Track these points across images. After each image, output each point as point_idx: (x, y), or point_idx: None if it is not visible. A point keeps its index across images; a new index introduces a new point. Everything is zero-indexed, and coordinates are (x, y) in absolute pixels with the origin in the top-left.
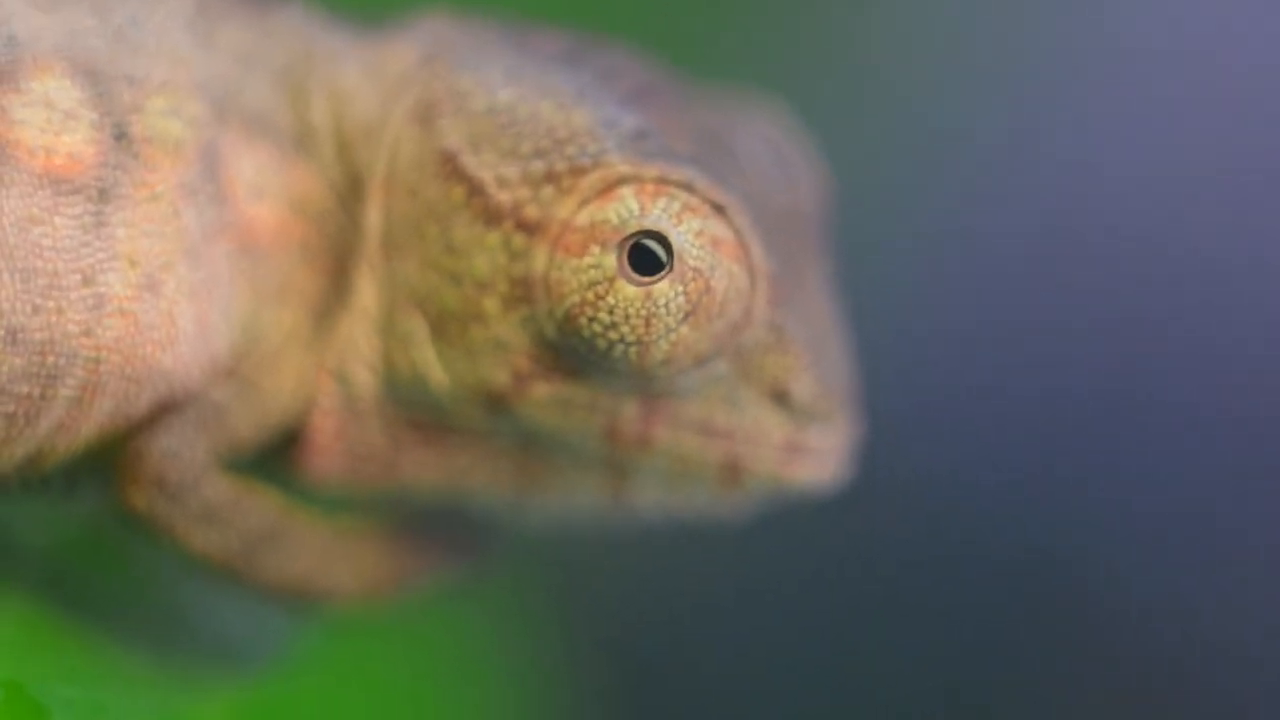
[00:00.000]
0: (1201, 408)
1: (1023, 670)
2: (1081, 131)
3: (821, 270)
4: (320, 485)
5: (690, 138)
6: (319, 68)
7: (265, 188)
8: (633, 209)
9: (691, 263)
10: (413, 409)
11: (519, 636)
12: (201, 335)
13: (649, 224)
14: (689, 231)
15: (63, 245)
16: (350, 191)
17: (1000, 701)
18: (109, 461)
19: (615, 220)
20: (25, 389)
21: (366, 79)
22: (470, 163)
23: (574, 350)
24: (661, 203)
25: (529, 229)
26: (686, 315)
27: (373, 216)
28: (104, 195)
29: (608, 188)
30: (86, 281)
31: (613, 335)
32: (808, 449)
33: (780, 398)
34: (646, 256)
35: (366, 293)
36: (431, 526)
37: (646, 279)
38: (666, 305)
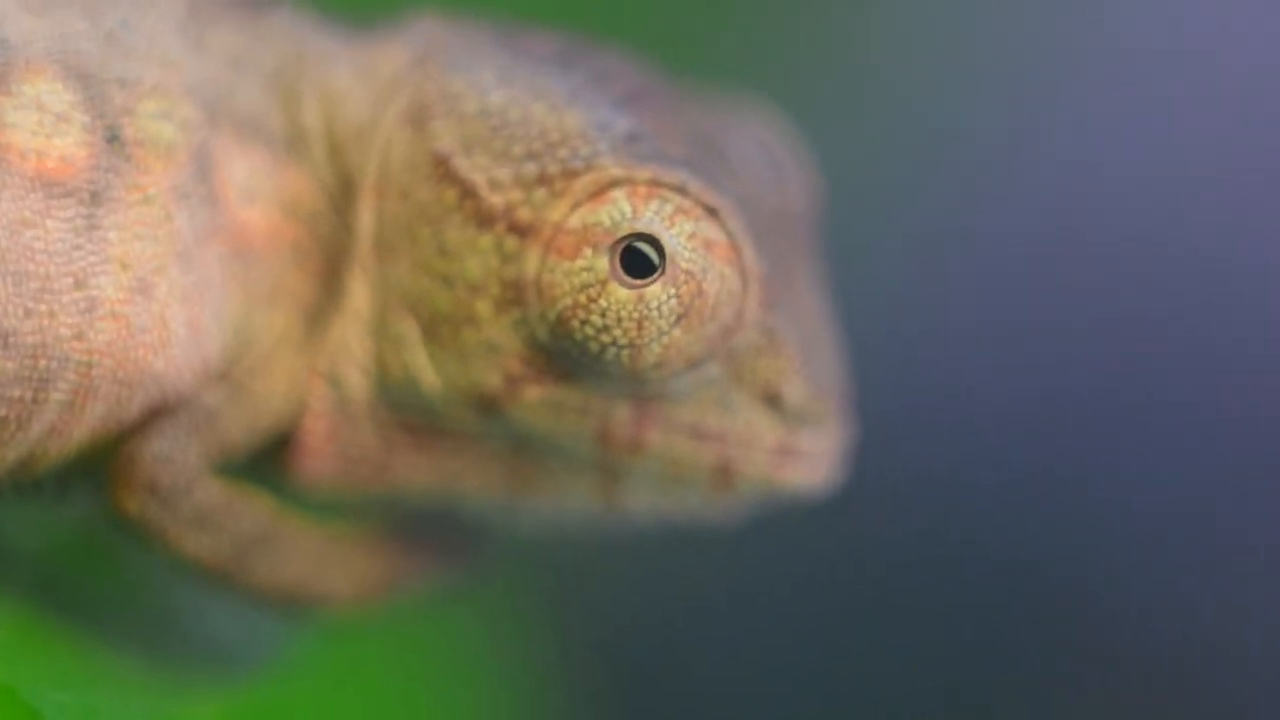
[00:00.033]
0: (1199, 408)
1: (1018, 672)
2: (1079, 132)
3: (813, 273)
4: (312, 488)
5: (683, 140)
6: (310, 70)
7: (257, 190)
8: (625, 211)
9: (684, 265)
10: (405, 412)
11: (511, 639)
12: (193, 338)
13: (641, 226)
14: (681, 234)
15: (55, 248)
16: (342, 194)
17: (997, 703)
18: (101, 465)
19: (607, 223)
20: (17, 393)
21: (358, 81)
22: (462, 165)
23: (566, 353)
24: (654, 205)
25: (521, 231)
26: (679, 318)
27: (365, 219)
28: (96, 198)
29: (600, 190)
30: (78, 285)
31: (605, 338)
32: (800, 452)
33: (772, 401)
34: (639, 259)
35: (358, 295)
36: (423, 530)
37: (639, 281)
38: (659, 308)
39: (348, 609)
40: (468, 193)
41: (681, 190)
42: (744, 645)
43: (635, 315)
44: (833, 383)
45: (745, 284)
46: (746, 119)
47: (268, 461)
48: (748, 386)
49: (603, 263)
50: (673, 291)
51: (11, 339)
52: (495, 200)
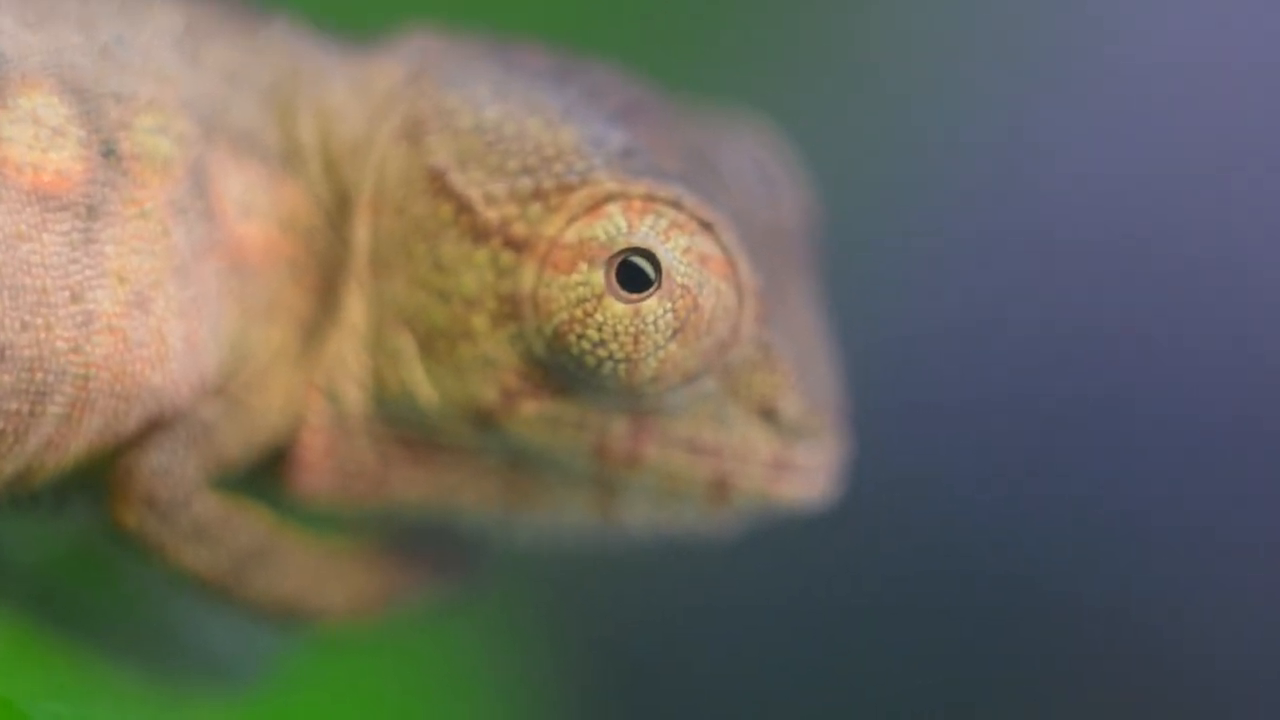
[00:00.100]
0: (1197, 411)
1: (1016, 678)
2: (1076, 137)
3: (807, 286)
4: (309, 502)
5: (677, 155)
6: (306, 85)
7: (253, 205)
8: (620, 226)
9: (679, 280)
10: (401, 426)
11: (508, 653)
12: (191, 353)
13: (637, 241)
14: (677, 249)
15: (51, 262)
16: (338, 209)
17: (995, 706)
18: (99, 478)
19: (603, 237)
20: (14, 406)
21: (353, 96)
22: (458, 180)
23: (562, 367)
24: (649, 220)
25: (517, 246)
26: (675, 332)
27: (361, 234)
28: (92, 212)
29: (595, 205)
30: (75, 298)
31: (601, 352)
32: (796, 466)
33: (768, 415)
34: (635, 274)
35: (355, 310)
36: (420, 543)
37: (635, 296)
38: (655, 322)
39: (345, 622)
40: (463, 207)
41: (676, 205)
42: (740, 658)
43: (631, 330)
44: (828, 396)
45: (741, 299)
46: (740, 134)
47: (265, 475)
48: (743, 401)
49: (598, 277)
50: (669, 306)
51: (8, 352)
52: (491, 215)
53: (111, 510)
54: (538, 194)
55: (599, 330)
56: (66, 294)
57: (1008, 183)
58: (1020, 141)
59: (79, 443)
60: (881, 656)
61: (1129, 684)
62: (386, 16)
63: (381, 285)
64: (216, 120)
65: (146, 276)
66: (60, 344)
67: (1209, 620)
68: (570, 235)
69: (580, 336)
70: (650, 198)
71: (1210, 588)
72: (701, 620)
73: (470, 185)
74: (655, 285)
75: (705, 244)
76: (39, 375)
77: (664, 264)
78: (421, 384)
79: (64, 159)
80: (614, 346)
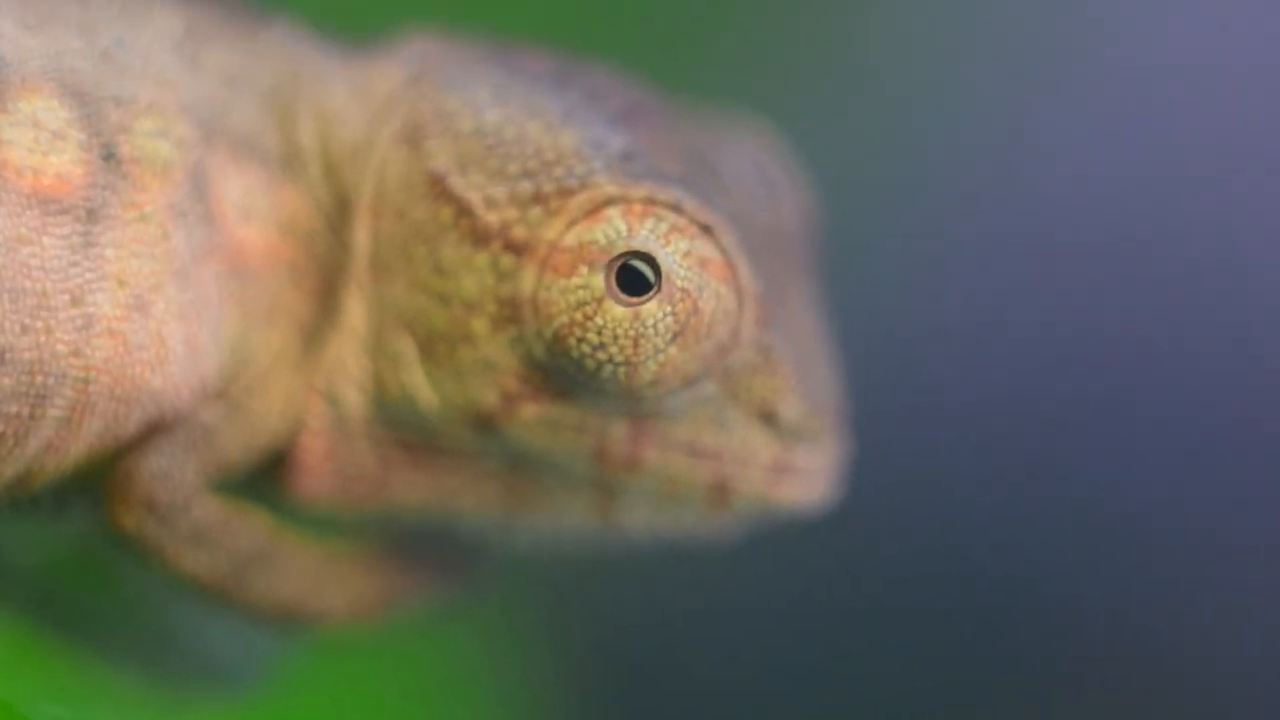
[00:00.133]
0: (1196, 414)
1: (1015, 680)
2: (1075, 140)
3: (807, 289)
4: (309, 506)
5: (677, 158)
6: (306, 89)
7: (253, 209)
8: (620, 230)
9: (679, 283)
10: (401, 429)
11: (508, 657)
12: (191, 356)
13: (637, 245)
14: (677, 252)
15: (51, 265)
16: (338, 212)
17: (993, 708)
18: (98, 482)
19: (603, 241)
20: (14, 409)
21: (353, 100)
22: (458, 183)
23: (562, 371)
24: (649, 223)
25: (517, 250)
26: (675, 336)
27: (361, 237)
28: (92, 215)
29: (595, 208)
30: (75, 302)
31: (601, 356)
32: (796, 469)
33: (768, 418)
34: (634, 277)
35: (355, 313)
36: (420, 547)
37: (634, 299)
38: (655, 326)
39: (344, 626)
40: (463, 211)
41: (676, 208)
42: (740, 661)
43: (631, 333)
44: (828, 399)
45: (740, 302)
46: (739, 136)
47: (265, 479)
48: (743, 404)
49: (598, 281)
50: (668, 309)
51: (8, 355)
52: (491, 218)
53: (111, 514)
54: (538, 198)
55: (599, 334)
56: (66, 297)
57: (1007, 185)
58: (1020, 143)
59: (79, 446)
60: (882, 659)
61: (1129, 686)
62: (386, 20)
63: (381, 289)
64: (216, 124)
65: (146, 280)
66: (60, 347)
67: (1209, 622)
68: (570, 239)
69: (580, 340)
70: (650, 201)
71: (1210, 589)
72: (701, 623)
73: (470, 189)
74: (655, 289)
75: (705, 247)
76: (39, 378)
77: (664, 267)
78: (421, 387)
79: (64, 162)
80: (614, 350)
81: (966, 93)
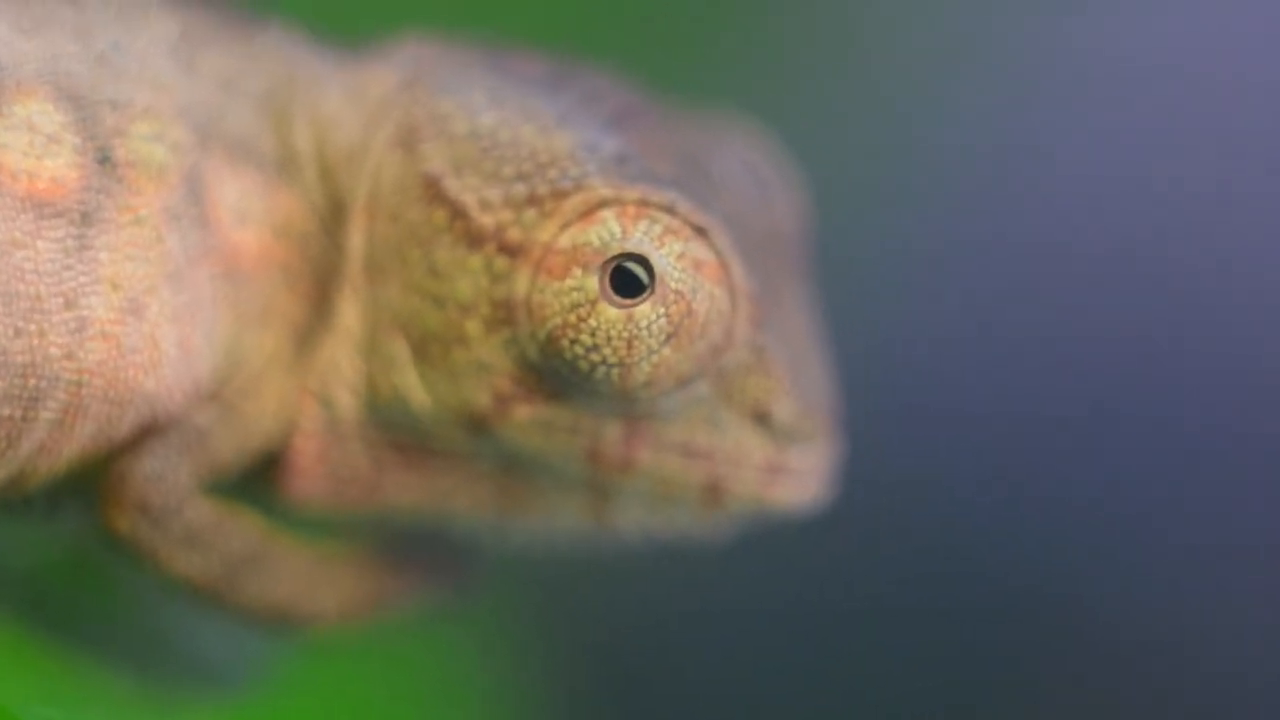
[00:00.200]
0: (1195, 416)
1: (1013, 681)
2: (1073, 143)
3: (800, 290)
4: (302, 507)
5: (671, 160)
6: (301, 92)
7: (248, 212)
8: (614, 232)
9: (673, 285)
10: (395, 431)
11: (501, 658)
12: (184, 359)
13: (630, 247)
14: (670, 254)
15: (45, 269)
16: (333, 215)
17: (991, 709)
18: (91, 484)
19: (597, 243)
20: (7, 411)
21: (348, 103)
22: (452, 186)
23: (556, 372)
24: (643, 225)
25: (511, 252)
26: (668, 337)
27: (355, 240)
28: (87, 219)
29: (589, 210)
30: (69, 305)
31: (595, 357)
32: (789, 470)
33: (762, 419)
34: (628, 279)
35: (349, 315)
36: (413, 549)
37: (628, 301)
38: (648, 327)
39: (337, 628)
40: (458, 213)
41: (670, 210)
42: (734, 663)
43: (625, 334)
44: (822, 400)
45: (734, 303)
46: (733, 138)
47: (258, 481)
48: (737, 405)
49: (592, 282)
50: (662, 311)
51: (1, 358)
52: (485, 221)
53: (104, 516)
54: (532, 200)
55: (592, 335)
56: (60, 300)
57: (1003, 187)
58: (1016, 146)
59: (72, 448)
60: (877, 660)
61: (1129, 686)
62: (381, 23)
63: (376, 291)
64: (212, 127)
65: (140, 283)
66: (54, 350)
67: (1209, 623)
68: (564, 241)
69: (574, 341)
70: (644, 203)
71: (1210, 590)
72: (695, 624)
73: (465, 191)
74: (649, 290)
75: (699, 249)
76: (32, 381)
77: (658, 269)
78: (415, 389)
79: (59, 166)
80: (607, 351)
81: (960, 93)
